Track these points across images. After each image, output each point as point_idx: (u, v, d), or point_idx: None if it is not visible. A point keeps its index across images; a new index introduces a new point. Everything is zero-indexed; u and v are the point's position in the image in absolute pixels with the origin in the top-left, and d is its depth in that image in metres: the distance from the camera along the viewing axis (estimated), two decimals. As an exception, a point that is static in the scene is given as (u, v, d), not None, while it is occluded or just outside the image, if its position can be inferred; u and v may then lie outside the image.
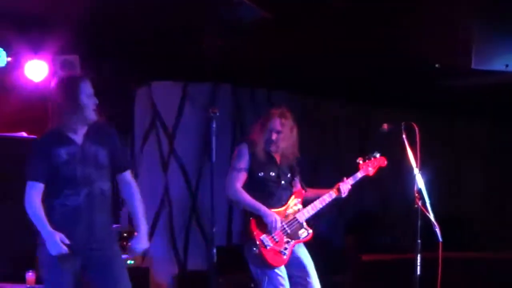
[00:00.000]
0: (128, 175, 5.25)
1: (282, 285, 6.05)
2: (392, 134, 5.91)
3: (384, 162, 6.60)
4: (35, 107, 9.10)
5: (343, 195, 6.33)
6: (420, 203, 5.76)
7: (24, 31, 8.53)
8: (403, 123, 5.89)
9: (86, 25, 8.15)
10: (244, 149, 6.20)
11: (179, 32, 8.23)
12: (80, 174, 4.90)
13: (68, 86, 5.08)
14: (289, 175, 6.34)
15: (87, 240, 4.89)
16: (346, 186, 6.35)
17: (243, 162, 6.14)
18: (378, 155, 6.57)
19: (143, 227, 5.18)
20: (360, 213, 10.83)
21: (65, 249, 4.75)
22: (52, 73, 8.94)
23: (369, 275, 9.32)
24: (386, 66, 8.95)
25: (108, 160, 5.05)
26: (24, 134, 8.14)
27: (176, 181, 9.34)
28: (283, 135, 6.21)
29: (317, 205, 6.28)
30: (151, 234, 8.91)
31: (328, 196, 6.31)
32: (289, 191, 6.31)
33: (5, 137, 7.82)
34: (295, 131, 6.32)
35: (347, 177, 6.42)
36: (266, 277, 6.03)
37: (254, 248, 6.01)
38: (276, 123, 6.20)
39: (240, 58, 8.71)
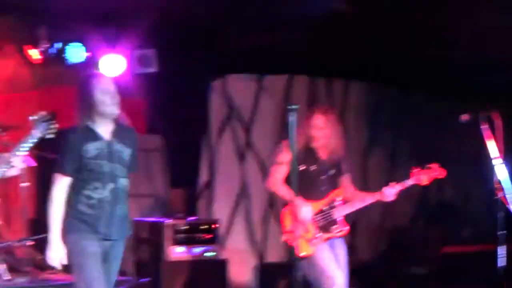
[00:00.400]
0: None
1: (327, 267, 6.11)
2: (473, 125, 5.78)
3: (443, 174, 6.47)
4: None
5: (387, 199, 6.30)
6: (501, 194, 5.63)
7: (101, 27, 8.64)
8: (483, 113, 5.76)
9: (162, 19, 8.21)
10: (286, 143, 6.20)
11: (254, 25, 8.23)
12: (107, 170, 5.08)
13: (83, 82, 5.25)
14: (331, 172, 6.36)
15: (108, 231, 5.07)
16: (391, 191, 6.29)
17: (284, 156, 6.19)
18: (436, 166, 6.45)
19: None
20: (440, 205, 10.68)
21: (58, 265, 5.03)
22: (129, 68, 9.06)
23: (450, 267, 9.18)
24: (468, 58, 8.80)
25: (129, 160, 5.25)
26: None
27: (253, 174, 9.34)
28: (326, 132, 6.25)
29: (356, 204, 6.32)
30: (229, 226, 8.97)
31: (370, 198, 6.32)
32: (329, 187, 6.32)
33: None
34: (339, 129, 6.36)
35: (397, 183, 6.35)
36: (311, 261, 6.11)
37: (283, 235, 6.17)
38: (319, 120, 6.22)
39: (316, 49, 8.66)
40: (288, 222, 6.18)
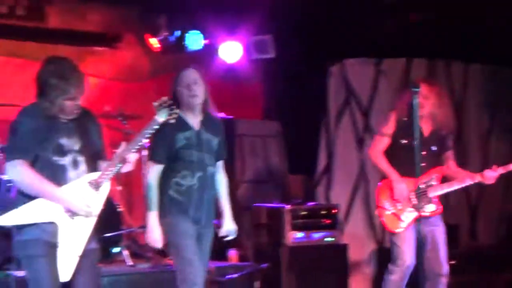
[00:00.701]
0: (221, 164, 5.61)
1: (402, 255, 6.14)
2: None
3: None
4: (229, 88, 9.32)
5: (487, 182, 6.19)
6: None
7: (219, 14, 8.72)
8: None
9: (279, 5, 8.21)
10: (392, 116, 6.30)
11: (371, 8, 8.13)
12: (196, 159, 5.33)
13: (173, 77, 5.53)
14: (434, 148, 6.26)
15: (197, 216, 5.33)
16: (492, 174, 6.17)
17: (388, 128, 6.26)
18: None
19: (228, 211, 5.67)
20: None
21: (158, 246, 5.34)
22: (247, 54, 9.11)
23: None
24: None
25: (217, 148, 5.47)
26: (223, 114, 8.31)
27: (372, 158, 9.24)
28: (430, 101, 6.16)
29: (455, 184, 6.24)
30: (347, 211, 8.91)
31: (469, 179, 6.22)
32: (429, 164, 6.21)
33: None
34: (446, 102, 6.30)
35: (499, 166, 6.20)
36: (393, 246, 6.20)
37: (376, 209, 6.26)
38: (423, 87, 6.05)
39: (435, 31, 8.49)
40: (383, 196, 6.22)
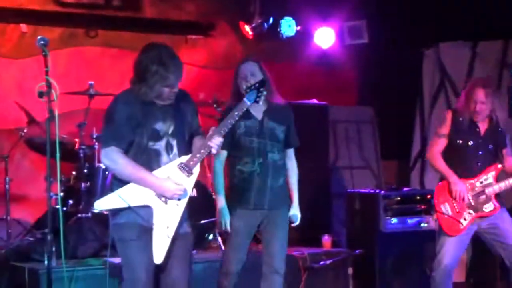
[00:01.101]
0: (291, 151, 5.78)
1: (449, 256, 6.09)
2: None
3: None
4: (322, 74, 9.33)
5: None
6: None
7: (313, 0, 8.73)
8: None
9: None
10: (448, 116, 6.19)
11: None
12: (256, 146, 5.52)
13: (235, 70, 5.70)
14: (491, 146, 6.15)
15: (259, 201, 5.51)
16: None
17: (444, 128, 6.16)
18: None
19: (295, 197, 5.79)
20: None
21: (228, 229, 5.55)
22: (340, 40, 9.10)
23: None
24: None
25: (284, 136, 5.65)
26: (315, 100, 8.34)
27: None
28: (488, 105, 6.05)
29: (511, 182, 6.06)
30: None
31: None
32: (486, 163, 6.11)
33: (298, 104, 8.03)
34: (499, 101, 6.21)
35: None
36: (441, 244, 6.15)
37: (433, 213, 6.28)
38: (480, 93, 6.01)
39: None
40: (440, 200, 6.13)
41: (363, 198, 7.81)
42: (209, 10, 8.89)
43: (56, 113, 4.79)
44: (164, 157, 4.74)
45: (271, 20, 8.61)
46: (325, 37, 9.00)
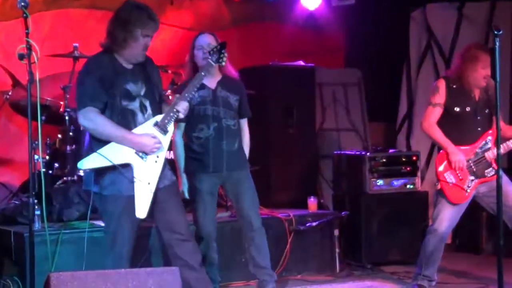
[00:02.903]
0: (245, 122, 6.08)
1: (448, 222, 6.13)
2: None
3: None
4: (309, 36, 9.28)
5: None
6: None
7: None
8: None
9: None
10: (441, 84, 6.16)
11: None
12: (210, 113, 5.81)
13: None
14: (487, 111, 6.14)
15: (217, 164, 5.81)
16: None
17: (438, 97, 6.12)
18: None
19: None
20: None
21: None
22: (327, 1, 9.05)
23: None
24: None
25: (237, 105, 5.95)
26: (301, 62, 8.31)
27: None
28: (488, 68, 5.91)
29: (510, 145, 6.09)
30: (428, 158, 8.83)
31: None
32: (484, 128, 6.12)
33: (285, 66, 8.02)
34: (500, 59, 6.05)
35: None
36: (439, 210, 6.14)
37: (436, 183, 6.14)
38: (488, 60, 5.75)
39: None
40: (442, 168, 6.11)
41: (349, 159, 7.83)
42: (195, -29, 8.82)
43: (37, 75, 4.75)
44: (140, 117, 4.94)
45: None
46: (312, -2, 8.94)
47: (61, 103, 7.09)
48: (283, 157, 7.96)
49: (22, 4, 4.77)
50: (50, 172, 7.02)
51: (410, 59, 9.22)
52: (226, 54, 5.41)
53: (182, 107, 5.02)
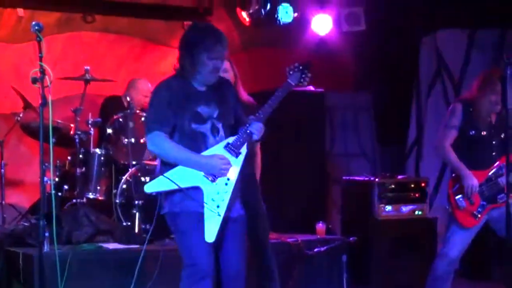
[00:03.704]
0: (257, 146, 5.91)
1: (459, 247, 6.10)
2: None
3: None
4: (320, 61, 9.30)
5: None
6: None
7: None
8: None
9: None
10: (458, 107, 6.13)
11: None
12: None
13: None
14: (503, 136, 6.09)
15: None
16: None
17: (455, 120, 6.09)
18: None
19: None
20: None
21: None
22: (338, 27, 9.09)
23: None
24: None
25: None
26: (311, 87, 8.33)
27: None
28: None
29: None
30: (437, 184, 8.82)
31: None
32: (498, 153, 6.07)
33: (295, 91, 7.99)
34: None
35: None
36: (450, 234, 6.13)
37: (447, 207, 6.13)
38: (499, 85, 5.88)
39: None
40: (454, 191, 6.09)
41: (358, 185, 7.83)
42: (207, -5, 8.88)
43: (50, 98, 4.79)
44: (211, 139, 4.79)
45: (268, 6, 8.57)
46: (322, 24, 8.97)
47: (72, 125, 7.12)
48: (291, 181, 7.96)
49: (36, 28, 4.81)
50: (60, 194, 7.04)
51: (420, 84, 9.24)
52: (309, 75, 5.05)
53: (256, 128, 4.83)
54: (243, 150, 4.80)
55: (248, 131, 4.80)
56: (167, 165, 4.76)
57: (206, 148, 4.75)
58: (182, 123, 4.74)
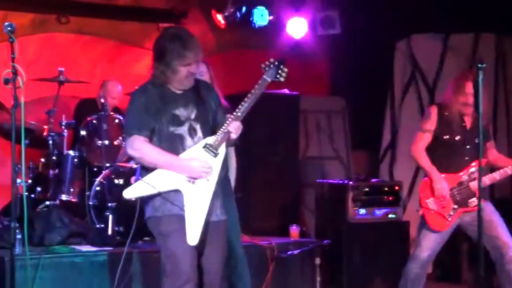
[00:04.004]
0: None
1: (430, 250, 6.14)
2: None
3: None
4: (294, 64, 9.31)
5: None
6: None
7: (285, -11, 8.72)
8: None
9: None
10: (433, 111, 6.19)
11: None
12: None
13: None
14: (477, 140, 6.02)
15: None
16: None
17: (429, 124, 6.15)
18: None
19: None
20: None
21: None
22: (312, 30, 9.10)
23: None
24: None
25: None
26: (286, 90, 8.35)
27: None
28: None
29: (496, 176, 6.12)
30: (411, 188, 8.86)
31: (510, 169, 6.11)
32: (472, 157, 6.11)
33: (270, 94, 8.04)
34: (486, 94, 6.04)
35: None
36: (421, 237, 6.17)
37: (418, 209, 6.18)
38: (471, 87, 6.01)
39: (504, 5, 8.33)
40: (426, 195, 6.14)
41: (332, 188, 7.86)
42: (182, -2, 8.88)
43: (22, 100, 4.77)
44: (188, 141, 4.78)
45: (243, 9, 8.59)
46: (297, 27, 8.99)
47: (45, 127, 7.08)
48: (265, 184, 7.97)
49: (9, 29, 4.79)
50: (33, 196, 7.00)
51: (394, 89, 9.28)
52: (285, 70, 4.99)
53: (234, 127, 4.79)
54: (221, 150, 4.78)
55: (226, 130, 4.78)
56: (148, 170, 4.75)
57: (184, 150, 4.74)
58: (160, 127, 4.74)
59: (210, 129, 4.87)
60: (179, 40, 4.68)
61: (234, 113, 4.82)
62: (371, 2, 8.73)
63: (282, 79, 4.98)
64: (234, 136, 4.81)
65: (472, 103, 6.03)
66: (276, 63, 4.97)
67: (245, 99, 4.86)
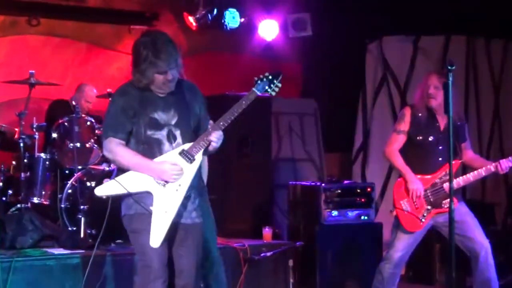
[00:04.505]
0: None
1: (403, 250, 6.16)
2: None
3: None
4: (266, 66, 9.33)
5: (501, 172, 6.08)
6: None
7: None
8: None
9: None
10: (407, 112, 6.22)
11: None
12: None
13: None
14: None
15: None
16: (507, 163, 6.06)
17: (403, 125, 6.18)
18: None
19: None
20: None
21: None
22: (284, 32, 9.13)
23: None
24: None
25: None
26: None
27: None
28: (441, 92, 5.93)
29: (470, 178, 6.13)
30: (383, 189, 8.90)
31: (484, 171, 6.10)
32: (445, 158, 6.10)
33: (241, 96, 8.03)
34: (456, 91, 6.10)
35: None
36: (395, 238, 6.19)
37: (392, 210, 6.19)
38: (434, 78, 6.06)
39: (474, 7, 8.40)
40: (399, 196, 6.15)
41: (304, 190, 7.85)
42: (153, 0, 8.85)
43: (-7, 102, 4.72)
44: (166, 146, 4.75)
45: (215, 11, 8.60)
46: (269, 29, 9.02)
47: (16, 129, 7.03)
48: (238, 186, 7.97)
49: (-22, 30, 4.75)
50: (4, 198, 6.95)
51: (366, 90, 9.33)
52: (279, 85, 4.96)
53: (215, 136, 4.79)
54: (198, 156, 4.76)
55: (206, 139, 4.77)
56: (123, 171, 4.75)
57: (161, 154, 4.73)
58: (138, 130, 4.72)
59: (192, 135, 4.84)
60: (153, 47, 4.56)
61: (217, 122, 4.81)
62: (342, 4, 8.77)
63: (273, 93, 4.98)
64: (215, 145, 4.81)
65: (435, 94, 6.03)
66: (270, 77, 4.96)
67: (230, 110, 4.84)
